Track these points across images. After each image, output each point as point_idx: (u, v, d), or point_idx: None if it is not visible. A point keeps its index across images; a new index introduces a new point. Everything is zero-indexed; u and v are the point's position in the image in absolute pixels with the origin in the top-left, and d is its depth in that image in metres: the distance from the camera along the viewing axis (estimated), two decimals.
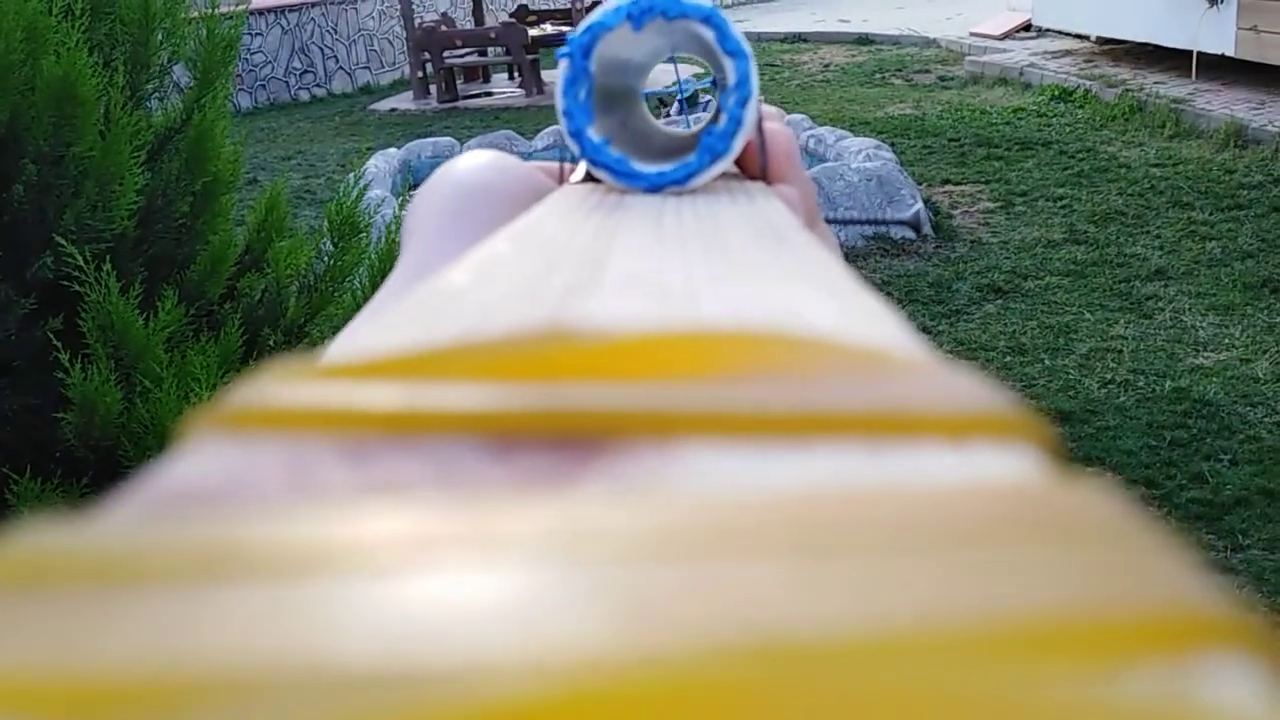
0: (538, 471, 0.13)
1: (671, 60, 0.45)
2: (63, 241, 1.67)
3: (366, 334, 0.17)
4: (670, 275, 0.22)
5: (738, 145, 0.34)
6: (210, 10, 2.27)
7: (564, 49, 0.34)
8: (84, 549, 0.10)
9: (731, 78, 0.34)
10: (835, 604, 0.09)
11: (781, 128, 0.38)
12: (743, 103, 0.34)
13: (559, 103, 0.35)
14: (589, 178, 0.35)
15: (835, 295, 0.20)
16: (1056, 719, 0.08)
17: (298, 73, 11.34)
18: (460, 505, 0.11)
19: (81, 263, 1.63)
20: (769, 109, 0.38)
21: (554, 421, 0.13)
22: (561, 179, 0.39)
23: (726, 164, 0.34)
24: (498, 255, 0.24)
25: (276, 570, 0.10)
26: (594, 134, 0.34)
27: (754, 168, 0.37)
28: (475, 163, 0.39)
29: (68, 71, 1.78)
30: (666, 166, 0.34)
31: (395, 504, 0.11)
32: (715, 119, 0.35)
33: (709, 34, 0.34)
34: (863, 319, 0.18)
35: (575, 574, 0.10)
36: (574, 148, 0.34)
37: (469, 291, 0.20)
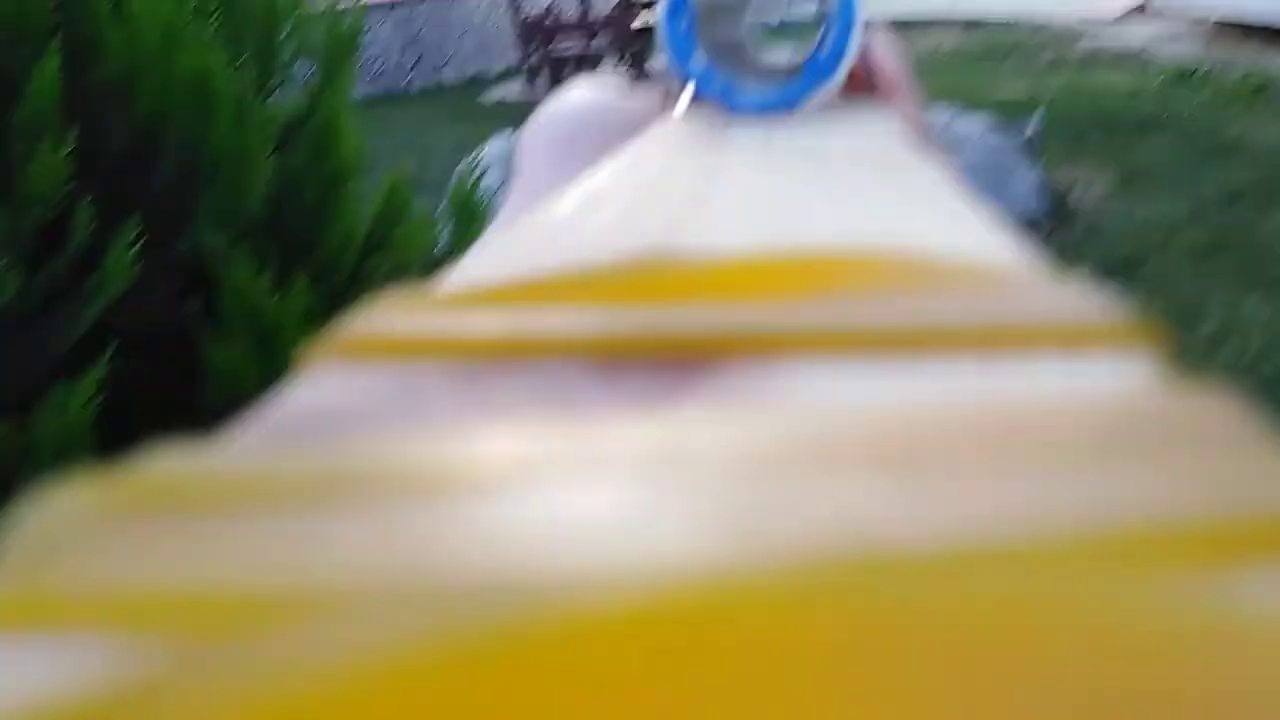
0: (643, 392, 0.13)
1: None
2: (202, 226, 1.75)
3: (473, 266, 0.18)
4: (780, 201, 0.22)
5: (843, 69, 0.34)
6: (332, 6, 2.35)
7: None
8: (207, 472, 0.11)
9: (834, 2, 0.34)
10: (939, 516, 0.09)
11: (889, 44, 0.37)
12: (848, 28, 0.34)
13: (661, 35, 0.35)
14: (693, 101, 0.35)
15: (945, 212, 0.20)
16: (1170, 626, 0.08)
17: (410, 65, 11.55)
18: (565, 425, 0.11)
19: (220, 245, 1.71)
20: (876, 29, 0.37)
21: (658, 343, 0.13)
22: (666, 108, 0.39)
23: (832, 87, 0.34)
24: (602, 187, 0.24)
25: (390, 491, 0.10)
26: (697, 63, 0.34)
27: (863, 86, 0.36)
28: (583, 94, 0.39)
29: (203, 66, 1.86)
30: (773, 92, 0.34)
31: (502, 425, 0.11)
32: (822, 41, 0.34)
33: None
34: (974, 233, 0.18)
35: (679, 488, 0.10)
36: (678, 76, 0.34)
37: (573, 222, 0.21)
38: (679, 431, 0.11)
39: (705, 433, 0.11)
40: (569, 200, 0.22)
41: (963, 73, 9.17)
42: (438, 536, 0.09)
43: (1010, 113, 7.27)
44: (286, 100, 2.30)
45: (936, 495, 0.09)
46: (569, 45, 10.56)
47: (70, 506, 0.10)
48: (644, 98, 0.40)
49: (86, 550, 0.09)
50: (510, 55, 11.94)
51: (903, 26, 12.17)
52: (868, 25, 0.36)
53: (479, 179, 2.25)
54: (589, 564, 0.08)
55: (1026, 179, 5.27)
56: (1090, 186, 5.70)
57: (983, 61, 9.69)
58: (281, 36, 2.32)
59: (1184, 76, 7.78)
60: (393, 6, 11.47)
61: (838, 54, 0.34)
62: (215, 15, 2.04)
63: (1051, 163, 6.08)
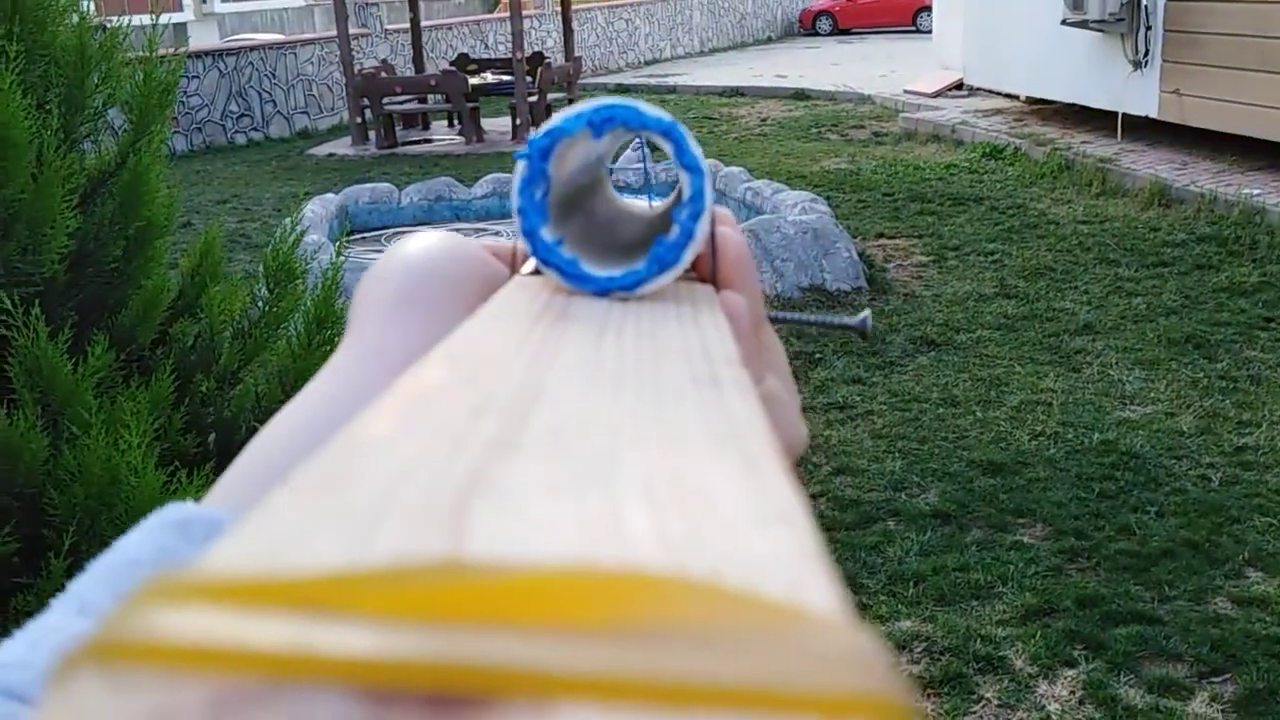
0: None
1: (639, 147, 0.45)
2: None
3: (266, 514, 0.18)
4: (596, 431, 0.22)
5: (687, 257, 0.34)
6: (149, 53, 2.25)
7: (522, 150, 0.35)
8: None
9: (687, 191, 0.35)
10: None
11: (734, 233, 0.38)
12: (695, 216, 0.34)
13: (514, 201, 0.35)
14: (539, 269, 0.35)
15: (750, 474, 0.20)
16: None
17: (234, 116, 11.26)
18: None
19: (9, 306, 1.60)
20: (722, 212, 0.38)
21: (430, 675, 0.13)
22: (513, 263, 0.39)
23: (674, 275, 0.34)
24: (426, 387, 0.24)
25: None
26: (547, 234, 0.34)
27: (705, 269, 0.37)
28: (425, 245, 0.39)
29: (0, 114, 1.76)
30: (616, 272, 0.34)
31: None
32: (667, 229, 0.35)
33: (668, 147, 0.35)
34: (770, 518, 0.19)
35: None
36: (527, 247, 0.34)
37: (387, 441, 0.20)
38: None
39: None
40: (389, 411, 0.22)
41: (788, 144, 9.48)
42: None
43: (833, 184, 7.54)
44: (96, 152, 2.20)
45: None
46: (402, 101, 10.49)
47: None
48: (486, 249, 0.40)
49: None
50: (340, 110, 11.78)
51: (733, 95, 12.52)
52: (715, 212, 0.36)
53: (298, 238, 2.18)
54: None
55: (846, 251, 5.45)
56: (906, 259, 5.93)
57: (808, 132, 10.03)
58: (92, 83, 2.21)
59: (995, 153, 8.21)
60: (219, 55, 11.18)
61: (684, 240, 0.34)
62: (18, 59, 1.93)
63: (870, 235, 6.31)
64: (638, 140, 0.42)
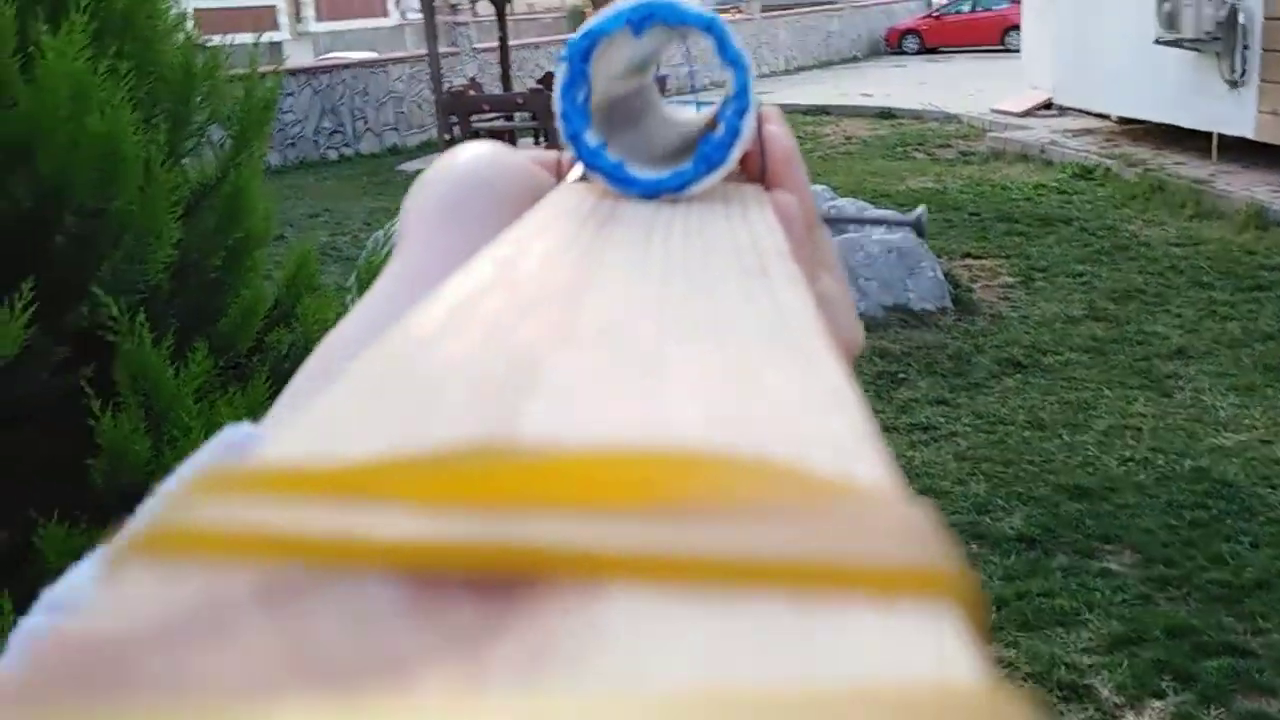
0: (455, 633, 0.13)
1: (686, 57, 0.45)
2: (99, 292, 1.70)
3: (314, 415, 0.18)
4: (642, 327, 0.22)
5: (734, 156, 0.34)
6: (250, 71, 2.33)
7: (562, 52, 0.34)
8: None
9: (731, 88, 0.34)
10: None
11: (782, 131, 0.37)
12: (741, 113, 0.34)
13: (556, 105, 0.34)
14: (585, 177, 0.35)
15: (800, 364, 0.20)
16: None
17: (327, 132, 11.51)
18: (350, 707, 0.11)
19: (116, 313, 1.66)
20: (769, 110, 0.37)
21: (477, 558, 0.13)
22: (559, 173, 0.38)
23: (722, 174, 0.34)
24: (474, 289, 0.23)
25: None
26: (591, 138, 0.34)
27: (754, 169, 0.36)
28: (472, 156, 0.38)
29: (111, 129, 1.83)
30: (663, 173, 0.33)
31: (297, 700, 0.11)
32: (713, 127, 0.34)
33: (710, 42, 0.34)
34: (821, 404, 0.18)
35: None
36: (571, 151, 0.34)
37: (436, 339, 0.20)
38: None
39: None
40: (436, 311, 0.22)
41: (874, 162, 9.42)
42: None
43: (919, 203, 7.47)
44: (198, 165, 2.27)
45: None
46: (489, 119, 10.64)
47: None
48: (533, 161, 0.39)
49: None
50: (430, 127, 11.98)
51: (818, 113, 12.48)
52: (761, 109, 0.36)
53: (390, 251, 2.23)
54: None
55: (932, 270, 5.40)
56: (993, 280, 5.86)
57: (893, 151, 9.96)
58: (196, 100, 2.29)
59: (1084, 174, 8.08)
60: (312, 74, 11.45)
61: (730, 138, 0.34)
62: (128, 76, 2.01)
63: (956, 255, 6.24)
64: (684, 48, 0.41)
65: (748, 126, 0.34)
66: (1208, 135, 7.85)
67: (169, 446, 1.63)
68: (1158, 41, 7.91)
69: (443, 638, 0.12)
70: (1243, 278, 5.59)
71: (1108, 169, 8.01)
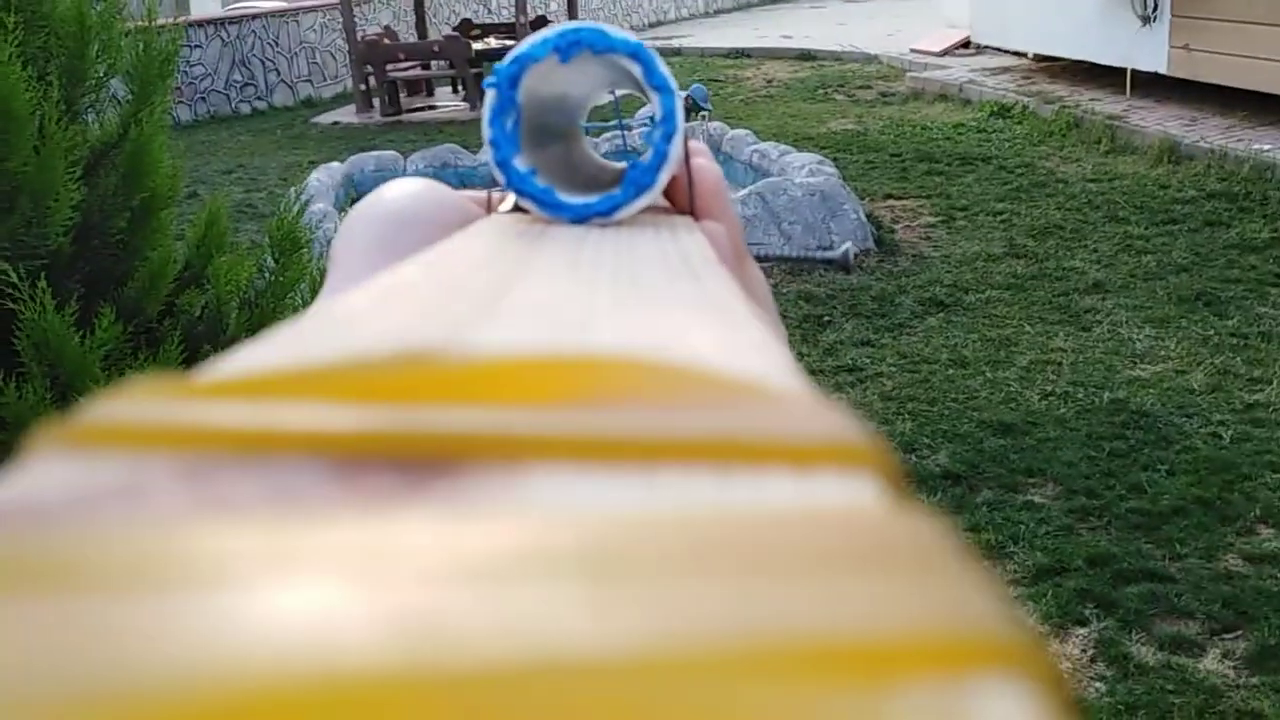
0: (377, 493, 0.13)
1: (613, 94, 0.46)
2: None
3: (247, 354, 0.18)
4: (571, 305, 0.22)
5: (662, 179, 0.34)
6: (148, 23, 2.24)
7: (490, 79, 0.34)
8: None
9: (658, 112, 0.35)
10: (617, 624, 0.09)
11: (709, 163, 0.38)
12: (668, 137, 0.34)
13: (485, 132, 0.34)
14: (518, 208, 0.35)
15: (725, 325, 0.20)
16: None
17: (238, 85, 11.22)
18: (277, 521, 0.11)
19: (15, 280, 1.60)
20: (696, 145, 0.38)
21: (399, 443, 0.13)
22: (490, 208, 0.39)
23: (651, 197, 0.34)
24: (403, 281, 0.24)
25: (74, 582, 0.10)
26: (520, 164, 0.34)
27: (683, 202, 0.37)
28: (404, 190, 0.38)
29: (0, 87, 1.75)
30: (592, 198, 0.34)
31: (213, 520, 0.11)
32: (641, 153, 0.35)
33: (636, 69, 0.35)
34: (744, 349, 0.18)
35: (369, 586, 0.10)
36: (500, 177, 0.34)
37: (363, 316, 0.20)
38: (391, 532, 0.11)
39: (417, 534, 0.11)
40: (366, 293, 0.22)
41: (795, 105, 9.41)
42: (106, 631, 0.09)
43: (840, 145, 7.49)
44: (97, 123, 2.19)
45: (618, 605, 0.10)
46: (405, 68, 10.44)
47: None
48: (465, 198, 0.40)
49: None
50: (344, 77, 11.73)
51: (738, 57, 12.44)
52: (689, 138, 0.36)
53: (303, 207, 2.18)
54: (245, 655, 0.09)
55: (854, 213, 5.42)
56: (915, 220, 5.90)
57: (814, 93, 9.96)
58: (92, 54, 2.20)
59: (1002, 112, 8.15)
60: (221, 24, 11.13)
61: (658, 161, 0.34)
62: (16, 30, 1.92)
63: (878, 196, 6.27)
64: (615, 94, 0.43)
65: (675, 150, 0.34)
66: (1122, 71, 7.95)
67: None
68: None
69: (368, 494, 0.13)
70: (1156, 211, 5.69)
71: (1025, 107, 8.09)
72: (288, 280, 2.03)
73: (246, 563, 0.10)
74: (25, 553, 0.11)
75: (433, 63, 10.53)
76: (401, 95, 10.37)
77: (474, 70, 10.14)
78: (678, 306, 0.22)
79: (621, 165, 0.46)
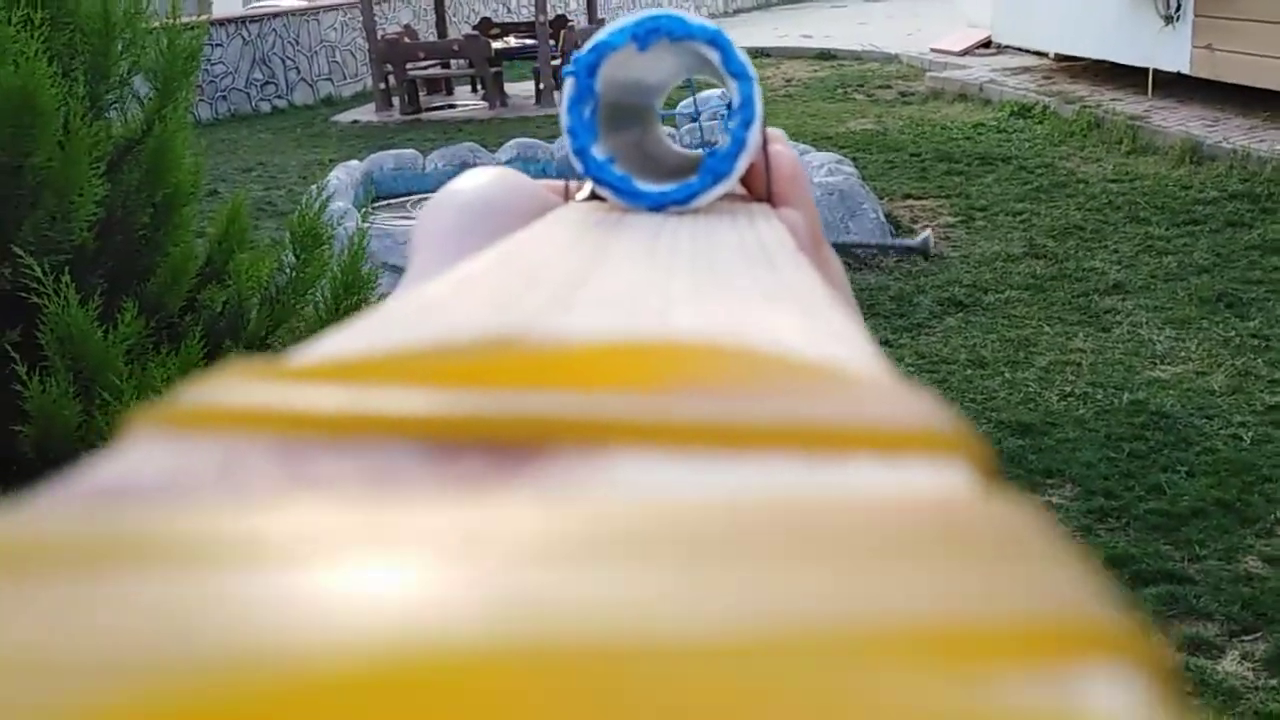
0: (469, 476, 0.13)
1: (689, 84, 0.46)
2: (20, 253, 1.65)
3: (334, 340, 0.18)
4: (648, 292, 0.22)
5: (740, 167, 0.34)
6: (172, 20, 2.25)
7: (569, 67, 0.34)
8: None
9: (736, 99, 0.35)
10: (715, 607, 0.09)
11: (787, 150, 0.38)
12: (746, 124, 0.34)
13: (563, 120, 0.34)
14: (594, 196, 0.35)
15: (806, 312, 0.20)
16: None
17: (259, 84, 11.27)
18: (375, 502, 0.11)
19: (40, 274, 1.62)
20: (774, 131, 0.38)
21: (489, 426, 0.13)
22: (567, 197, 0.39)
23: (729, 185, 0.34)
24: (481, 270, 0.24)
25: (173, 558, 0.10)
26: (598, 152, 0.34)
27: (760, 189, 0.37)
28: (483, 179, 0.39)
29: (26, 82, 1.76)
30: (669, 186, 0.34)
31: (311, 499, 0.11)
32: (719, 141, 0.35)
33: (714, 55, 0.34)
34: (825, 336, 0.18)
35: (464, 570, 0.10)
36: (577, 165, 0.34)
37: (443, 304, 0.20)
38: (487, 514, 0.11)
39: (513, 516, 0.11)
40: (445, 282, 0.22)
41: (814, 105, 9.40)
42: (204, 606, 0.09)
43: (859, 145, 7.47)
44: (120, 119, 2.20)
45: (716, 589, 0.10)
46: (425, 66, 10.47)
47: None
48: (543, 187, 0.40)
49: None
50: (364, 76, 11.76)
51: (758, 56, 12.42)
52: (767, 128, 0.36)
53: (324, 205, 2.19)
54: (341, 632, 0.09)
55: (874, 212, 5.41)
56: (934, 220, 5.89)
57: (834, 92, 9.94)
58: (116, 51, 2.21)
59: (1023, 112, 8.12)
60: (241, 23, 11.18)
61: (735, 149, 0.34)
62: (42, 27, 1.94)
63: (897, 196, 6.26)
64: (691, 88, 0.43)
65: (753, 137, 0.34)
66: (1144, 71, 7.91)
67: (99, 410, 1.59)
68: None
69: (459, 479, 0.13)
70: (1178, 212, 5.66)
71: (1046, 106, 8.06)
72: (308, 276, 2.04)
73: (346, 541, 0.10)
74: (125, 529, 0.11)
75: (452, 61, 10.55)
76: (421, 94, 10.39)
77: (493, 69, 10.16)
78: (757, 294, 0.22)
79: (697, 152, 0.46)
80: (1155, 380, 3.89)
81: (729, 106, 0.36)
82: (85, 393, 1.59)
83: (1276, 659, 2.48)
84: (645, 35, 0.34)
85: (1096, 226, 5.56)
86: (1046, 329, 4.38)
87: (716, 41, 0.34)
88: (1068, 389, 3.86)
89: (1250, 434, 3.46)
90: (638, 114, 0.42)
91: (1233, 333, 4.23)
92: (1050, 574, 0.11)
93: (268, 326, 2.02)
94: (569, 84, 0.34)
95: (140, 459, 0.13)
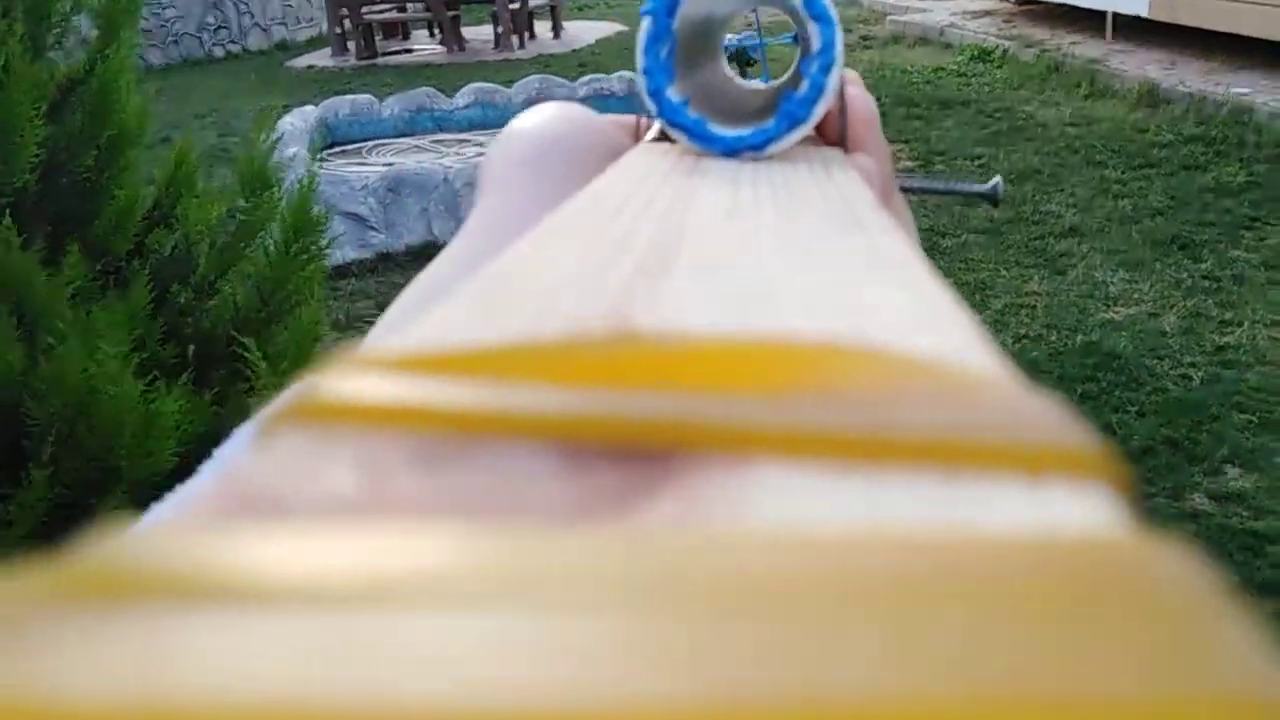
0: (607, 491, 0.13)
1: (754, 13, 0.44)
2: None
3: (434, 319, 0.17)
4: (744, 262, 0.21)
5: (818, 113, 0.33)
6: None
7: (647, 5, 0.33)
8: (141, 564, 0.10)
9: (815, 43, 0.34)
10: (866, 668, 0.09)
11: (863, 94, 0.37)
12: (826, 69, 0.33)
13: (639, 60, 0.33)
14: (664, 136, 0.35)
15: (910, 291, 0.20)
16: None
17: (211, 29, 11.06)
18: (510, 538, 0.11)
19: None
20: (850, 74, 0.37)
21: (626, 430, 0.13)
22: (637, 135, 0.38)
23: (805, 131, 0.33)
24: (567, 228, 0.23)
25: (281, 595, 0.10)
26: (673, 94, 0.33)
27: (833, 133, 0.36)
28: (551, 114, 0.38)
29: None
30: (745, 130, 0.33)
31: (444, 531, 0.11)
32: (796, 83, 0.34)
33: None
34: (939, 322, 0.18)
35: (604, 620, 0.09)
36: (652, 107, 0.33)
37: (536, 270, 0.20)
38: (631, 555, 0.11)
39: (657, 558, 0.11)
40: (532, 243, 0.22)
41: (774, 49, 9.34)
42: (311, 649, 0.09)
43: None
44: (63, 60, 2.16)
45: (867, 645, 0.09)
46: (381, 10, 10.30)
47: None
48: (611, 123, 0.39)
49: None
50: (319, 20, 11.56)
51: None
52: (844, 71, 0.35)
53: (273, 147, 2.16)
54: (450, 692, 0.08)
55: None
56: (894, 163, 5.88)
57: (794, 37, 9.88)
58: None
59: (983, 55, 8.11)
60: None
61: (814, 94, 0.33)
62: None
63: None
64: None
65: (832, 83, 0.33)
66: (1103, 14, 7.91)
67: (44, 355, 1.57)
68: None
69: (596, 495, 0.12)
70: (1134, 156, 5.69)
71: (1006, 50, 8.05)
72: (258, 220, 2.01)
73: (471, 582, 0.10)
74: (256, 559, 0.10)
75: (409, 5, 10.39)
76: (377, 38, 10.24)
77: (451, 13, 10.01)
78: (855, 268, 0.22)
79: (765, 86, 0.45)
80: (1108, 322, 3.93)
81: (796, 40, 0.35)
82: (29, 337, 1.57)
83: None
84: None
85: (1054, 170, 5.58)
86: (1003, 272, 4.42)
87: None
88: (1023, 331, 3.89)
89: (1200, 374, 3.52)
90: (704, 48, 0.41)
91: (1185, 275, 4.28)
92: (1221, 639, 0.10)
93: (217, 271, 2.00)
94: (647, 23, 0.33)
95: (279, 459, 0.13)
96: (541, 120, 0.38)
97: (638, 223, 0.24)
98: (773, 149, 0.33)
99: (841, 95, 0.35)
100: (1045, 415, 0.14)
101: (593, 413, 0.13)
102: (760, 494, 0.12)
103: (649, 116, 0.35)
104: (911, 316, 0.18)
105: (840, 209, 0.27)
